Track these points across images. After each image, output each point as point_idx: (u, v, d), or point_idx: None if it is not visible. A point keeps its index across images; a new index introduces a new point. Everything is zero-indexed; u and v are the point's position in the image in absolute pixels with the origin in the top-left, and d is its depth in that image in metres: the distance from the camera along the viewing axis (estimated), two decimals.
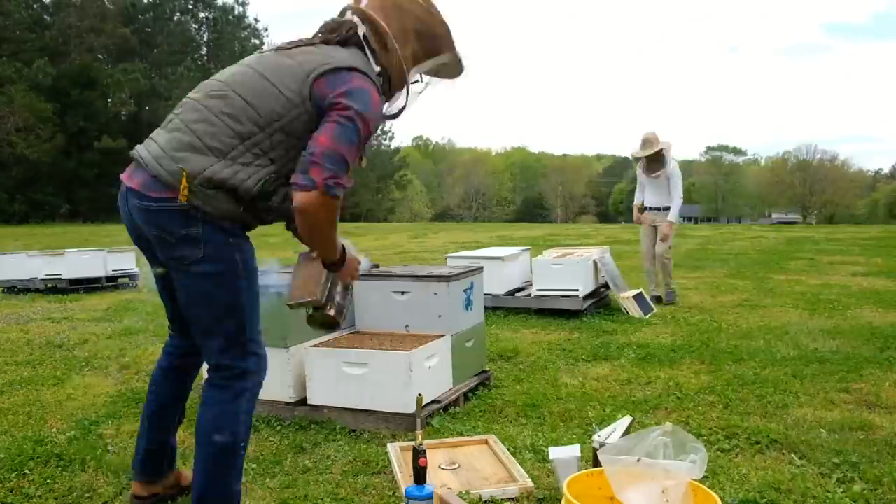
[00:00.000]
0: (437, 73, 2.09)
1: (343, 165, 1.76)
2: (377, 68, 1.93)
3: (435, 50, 2.01)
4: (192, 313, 1.91)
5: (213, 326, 1.88)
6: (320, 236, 1.86)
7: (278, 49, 1.91)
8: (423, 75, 2.07)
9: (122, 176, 1.89)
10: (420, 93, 2.07)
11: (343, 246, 1.96)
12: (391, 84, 1.99)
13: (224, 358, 1.89)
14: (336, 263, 1.95)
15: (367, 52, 1.92)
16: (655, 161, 6.23)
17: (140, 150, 1.85)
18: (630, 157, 6.56)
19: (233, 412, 1.88)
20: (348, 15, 1.96)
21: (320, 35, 1.93)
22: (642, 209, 6.54)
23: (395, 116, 2.07)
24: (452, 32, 2.02)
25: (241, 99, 1.80)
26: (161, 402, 2.17)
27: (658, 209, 6.45)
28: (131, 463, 2.22)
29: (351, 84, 1.79)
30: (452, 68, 2.09)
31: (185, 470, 2.25)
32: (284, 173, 1.82)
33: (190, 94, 1.91)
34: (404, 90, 2.01)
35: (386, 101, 1.99)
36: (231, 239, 1.83)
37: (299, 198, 1.75)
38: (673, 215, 6.29)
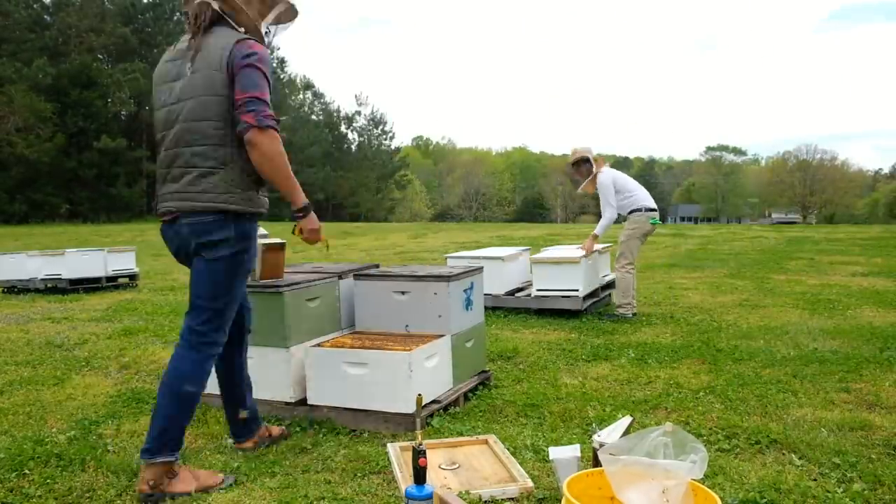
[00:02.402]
0: (279, 20, 2.54)
1: (261, 103, 2.24)
2: (241, 29, 2.39)
3: (272, 3, 2.47)
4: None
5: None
6: (275, 168, 2.28)
7: (174, 60, 2.41)
8: (270, 26, 2.52)
9: (164, 220, 2.42)
10: (271, 39, 2.57)
11: (310, 204, 2.42)
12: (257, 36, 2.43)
13: (206, 325, 2.37)
14: (301, 210, 2.41)
15: (229, 19, 2.37)
16: (579, 174, 5.81)
17: (168, 202, 2.36)
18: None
19: (204, 370, 2.40)
20: (196, 3, 2.36)
21: (191, 30, 2.37)
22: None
23: None
24: None
25: (203, 120, 2.29)
26: (230, 376, 2.68)
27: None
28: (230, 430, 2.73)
29: (245, 47, 2.27)
30: (289, 13, 2.55)
31: (272, 426, 2.85)
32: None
33: (165, 134, 2.41)
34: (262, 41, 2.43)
35: None
36: (247, 242, 2.40)
37: (247, 136, 2.24)
38: (598, 227, 5.71)
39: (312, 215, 2.45)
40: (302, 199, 2.40)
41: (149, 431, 2.32)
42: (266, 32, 2.50)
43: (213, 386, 3.33)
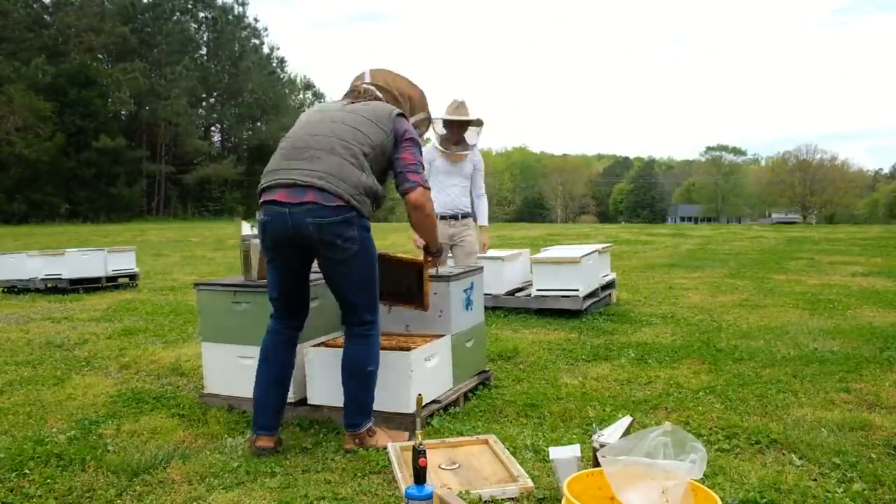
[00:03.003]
0: (417, 126, 2.88)
1: (423, 170, 2.68)
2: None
3: (416, 109, 2.91)
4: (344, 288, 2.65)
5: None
6: (430, 222, 2.73)
7: (351, 103, 2.72)
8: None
9: (279, 197, 2.48)
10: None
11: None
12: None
13: (367, 315, 2.67)
14: (437, 251, 2.90)
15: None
16: (464, 138, 4.61)
17: (300, 175, 2.47)
18: (432, 127, 4.07)
19: (377, 350, 2.72)
20: (364, 85, 2.81)
21: (361, 96, 2.77)
22: None
23: None
24: (426, 98, 2.93)
25: (358, 131, 2.57)
26: (286, 366, 2.80)
27: (455, 216, 4.68)
28: (255, 423, 2.72)
29: (408, 124, 2.72)
30: (425, 123, 2.97)
31: None
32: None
33: (309, 131, 2.62)
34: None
35: None
36: (369, 233, 2.59)
37: (413, 195, 2.60)
38: (485, 217, 4.82)
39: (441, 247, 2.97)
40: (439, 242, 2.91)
41: (346, 410, 2.69)
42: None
43: (213, 386, 3.35)
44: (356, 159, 2.52)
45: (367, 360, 2.68)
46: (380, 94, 2.79)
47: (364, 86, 2.81)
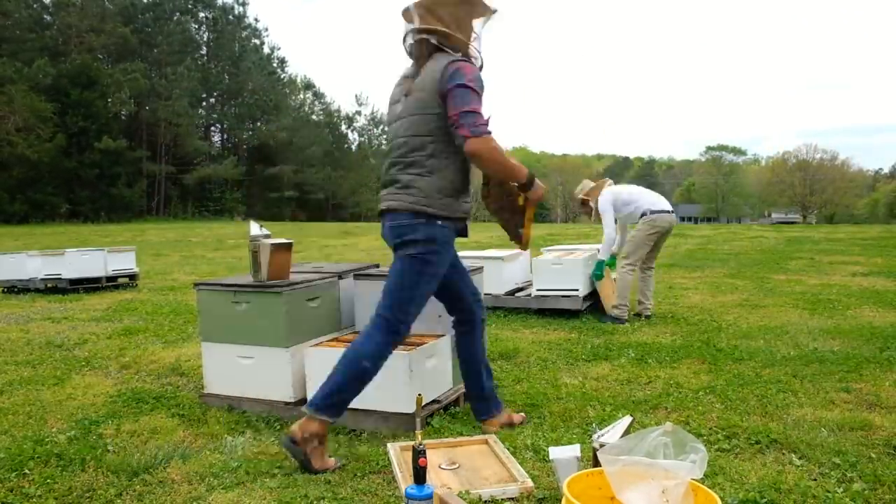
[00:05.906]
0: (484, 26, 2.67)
1: (474, 115, 2.44)
2: (458, 54, 2.56)
3: (477, 14, 2.61)
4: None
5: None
6: (494, 165, 2.54)
7: (411, 78, 2.61)
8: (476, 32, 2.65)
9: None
10: (479, 46, 2.66)
11: (530, 171, 2.62)
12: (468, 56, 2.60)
13: (382, 309, 2.61)
14: (526, 184, 2.62)
15: (445, 47, 2.55)
16: (585, 211, 5.93)
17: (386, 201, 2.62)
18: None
19: (376, 348, 2.57)
20: (412, 34, 2.59)
21: (414, 61, 2.63)
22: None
23: (481, 69, 2.64)
24: None
25: (415, 137, 2.55)
26: (463, 359, 2.91)
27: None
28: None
29: (454, 70, 2.47)
30: (488, 13, 2.65)
31: (514, 414, 3.01)
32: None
33: (390, 137, 2.70)
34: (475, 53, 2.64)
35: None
36: (434, 244, 2.60)
37: (466, 150, 2.47)
38: (600, 251, 5.81)
39: (536, 182, 2.66)
40: (525, 173, 2.61)
41: (320, 388, 2.54)
42: (475, 38, 2.67)
43: (213, 386, 3.35)
44: (422, 168, 2.55)
45: (369, 354, 2.56)
46: (432, 40, 2.56)
47: (413, 43, 2.61)
